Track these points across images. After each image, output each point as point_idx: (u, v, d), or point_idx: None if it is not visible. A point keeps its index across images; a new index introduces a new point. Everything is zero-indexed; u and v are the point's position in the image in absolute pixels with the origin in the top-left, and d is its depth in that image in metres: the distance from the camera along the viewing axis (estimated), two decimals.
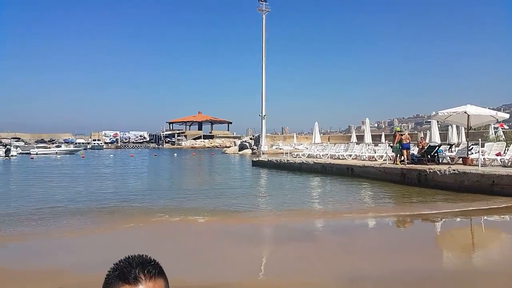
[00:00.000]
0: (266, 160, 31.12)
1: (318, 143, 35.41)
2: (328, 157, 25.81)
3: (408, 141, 18.34)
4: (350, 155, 25.15)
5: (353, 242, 8.16)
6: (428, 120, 38.97)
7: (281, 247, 7.91)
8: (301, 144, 54.40)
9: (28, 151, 57.79)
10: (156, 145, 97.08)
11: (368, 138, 34.66)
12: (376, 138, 43.25)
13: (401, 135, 18.47)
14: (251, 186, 19.70)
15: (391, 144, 20.18)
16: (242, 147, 61.32)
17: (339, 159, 25.15)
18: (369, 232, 9.58)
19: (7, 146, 54.95)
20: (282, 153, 34.98)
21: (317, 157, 26.98)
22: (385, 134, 49.42)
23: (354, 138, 40.68)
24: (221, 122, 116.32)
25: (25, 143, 75.02)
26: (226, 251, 7.56)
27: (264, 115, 54.11)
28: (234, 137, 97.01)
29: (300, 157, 28.04)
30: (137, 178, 23.72)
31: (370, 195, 15.24)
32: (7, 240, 8.66)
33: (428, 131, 35.11)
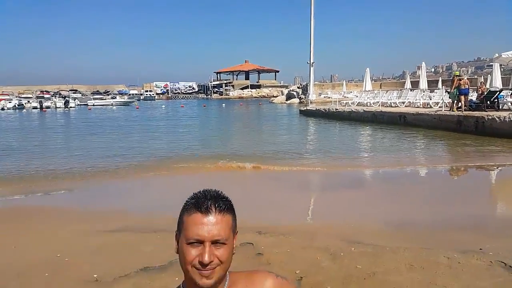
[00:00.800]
0: (314, 109, 30.83)
1: (369, 91, 34.28)
2: (379, 105, 25.07)
3: (466, 86, 17.30)
4: (403, 103, 24.27)
5: (404, 190, 8.19)
6: (490, 63, 36.09)
7: (330, 193, 8.12)
8: (351, 92, 52.87)
9: (86, 103, 60.91)
10: (205, 96, 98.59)
11: (423, 84, 32.89)
12: (432, 84, 40.91)
13: (460, 80, 17.43)
14: (299, 135, 19.83)
15: (448, 90, 19.17)
16: (289, 96, 60.77)
17: (391, 107, 24.37)
18: (420, 181, 9.50)
19: (66, 98, 58.39)
20: (331, 101, 34.38)
21: (367, 105, 26.30)
22: (442, 80, 46.55)
23: (408, 84, 38.80)
24: (268, 71, 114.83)
25: (82, 94, 79.11)
26: (275, 196, 7.90)
27: (312, 63, 52.64)
28: (281, 86, 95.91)
29: (350, 106, 27.49)
30: (191, 128, 24.65)
31: (423, 144, 14.86)
32: (79, 185, 9.60)
33: (489, 75, 32.62)
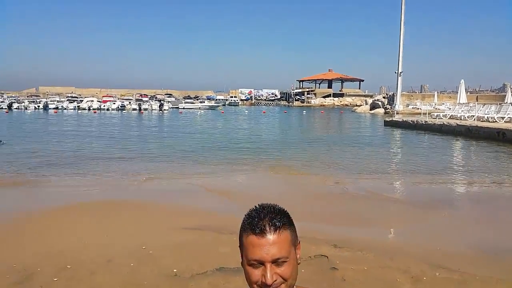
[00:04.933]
0: (400, 120, 29.30)
1: (463, 103, 31.62)
2: (474, 119, 23.00)
3: None
4: (503, 118, 21.97)
5: (502, 214, 7.39)
6: None
7: (415, 211, 7.62)
8: (443, 104, 49.24)
9: (177, 106, 65.41)
10: (286, 103, 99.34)
11: None
12: None
13: None
14: (382, 146, 18.95)
15: None
16: (374, 106, 58.55)
17: (488, 121, 22.21)
18: None
19: (161, 102, 63.35)
20: (420, 113, 32.36)
21: (461, 119, 24.28)
22: None
23: (509, 98, 35.07)
24: (352, 80, 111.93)
25: (175, 99, 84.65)
26: (353, 208, 7.63)
27: (401, 72, 50.16)
28: (365, 96, 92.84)
29: (441, 118, 25.63)
30: (269, 131, 25.02)
31: None
32: (163, 182, 10.28)
33: None
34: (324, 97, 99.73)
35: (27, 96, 78.28)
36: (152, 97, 79.77)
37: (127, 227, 6.49)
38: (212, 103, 76.27)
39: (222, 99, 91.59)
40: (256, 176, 11.14)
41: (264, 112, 57.16)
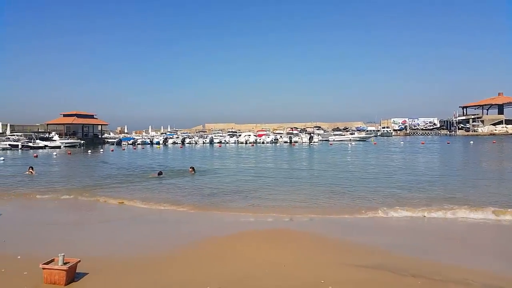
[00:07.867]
0: None
1: None
2: None
3: None
4: None
5: None
6: None
7: None
8: None
9: (327, 138, 66.28)
10: (448, 132, 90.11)
11: None
12: None
13: None
14: None
15: None
16: None
17: None
18: None
19: (311, 134, 65.28)
20: None
21: None
22: None
23: None
24: None
25: (324, 131, 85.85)
26: None
27: None
28: None
29: None
30: (441, 166, 22.92)
31: None
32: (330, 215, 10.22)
33: None
34: (494, 124, 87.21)
35: (196, 132, 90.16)
36: (302, 130, 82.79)
37: (301, 258, 6.61)
38: (363, 134, 74.61)
39: (373, 130, 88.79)
40: (426, 215, 10.19)
41: (423, 143, 52.79)
